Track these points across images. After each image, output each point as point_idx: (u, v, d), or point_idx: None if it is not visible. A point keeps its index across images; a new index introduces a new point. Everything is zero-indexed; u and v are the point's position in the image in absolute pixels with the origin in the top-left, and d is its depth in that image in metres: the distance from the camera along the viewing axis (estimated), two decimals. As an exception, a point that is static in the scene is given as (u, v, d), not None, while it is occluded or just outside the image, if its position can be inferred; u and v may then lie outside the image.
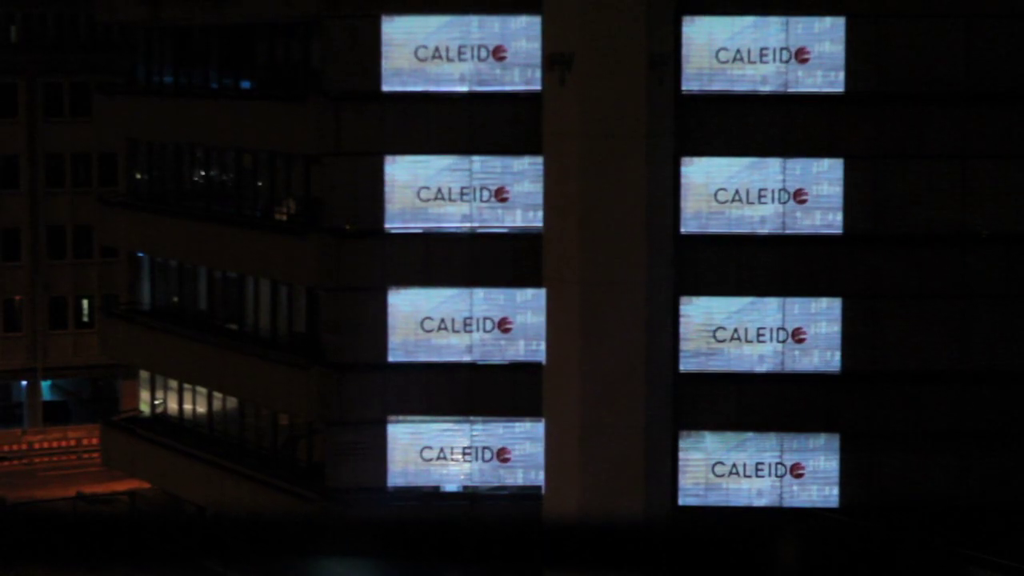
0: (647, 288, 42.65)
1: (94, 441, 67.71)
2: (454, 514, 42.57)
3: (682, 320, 43.56)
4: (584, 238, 42.66)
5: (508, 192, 44.29)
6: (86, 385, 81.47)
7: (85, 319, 79.19)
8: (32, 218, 78.30)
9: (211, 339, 50.76)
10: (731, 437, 43.72)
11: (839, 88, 43.18)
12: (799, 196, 43.31)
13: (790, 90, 43.19)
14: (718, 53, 43.12)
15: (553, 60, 42.92)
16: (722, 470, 43.82)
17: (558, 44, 42.79)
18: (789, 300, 43.62)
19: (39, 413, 78.56)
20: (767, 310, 43.70)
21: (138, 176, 56.48)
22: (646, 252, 42.63)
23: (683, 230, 43.39)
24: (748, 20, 43.08)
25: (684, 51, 43.05)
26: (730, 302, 43.65)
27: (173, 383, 53.58)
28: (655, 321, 42.93)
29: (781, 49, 43.11)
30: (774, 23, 43.07)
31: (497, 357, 44.46)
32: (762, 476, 43.71)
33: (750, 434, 43.65)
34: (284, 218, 48.56)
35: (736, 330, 43.68)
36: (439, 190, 44.47)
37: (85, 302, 79.57)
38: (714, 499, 43.84)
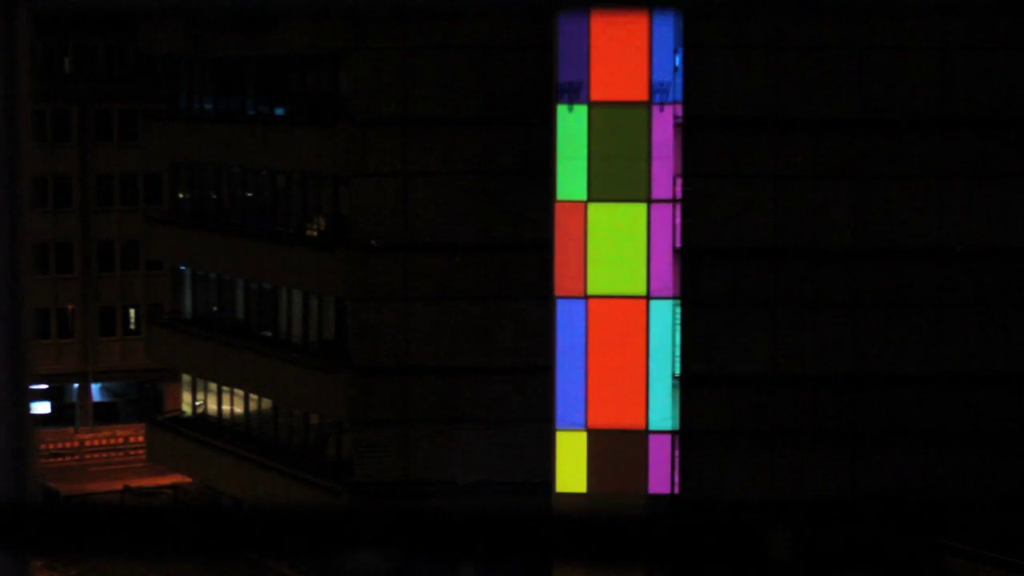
0: (649, 297, 42.52)
1: (140, 439, 67.64)
2: (466, 506, 42.38)
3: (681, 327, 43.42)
4: (591, 253, 42.53)
5: (520, 210, 44.18)
6: (133, 387, 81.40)
7: (132, 327, 79.12)
8: (83, 234, 78.27)
9: (247, 345, 50.78)
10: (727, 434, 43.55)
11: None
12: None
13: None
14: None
15: (563, 88, 42.86)
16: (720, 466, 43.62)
17: (568, 74, 42.73)
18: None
19: (90, 413, 78.54)
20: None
21: (181, 195, 56.50)
22: (647, 267, 42.51)
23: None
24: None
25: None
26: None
27: (212, 385, 53.58)
28: (656, 328, 42.78)
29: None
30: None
31: (510, 364, 44.31)
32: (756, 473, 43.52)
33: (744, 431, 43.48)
34: (315, 234, 48.56)
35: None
36: (456, 208, 44.37)
37: (132, 311, 79.48)
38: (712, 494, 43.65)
